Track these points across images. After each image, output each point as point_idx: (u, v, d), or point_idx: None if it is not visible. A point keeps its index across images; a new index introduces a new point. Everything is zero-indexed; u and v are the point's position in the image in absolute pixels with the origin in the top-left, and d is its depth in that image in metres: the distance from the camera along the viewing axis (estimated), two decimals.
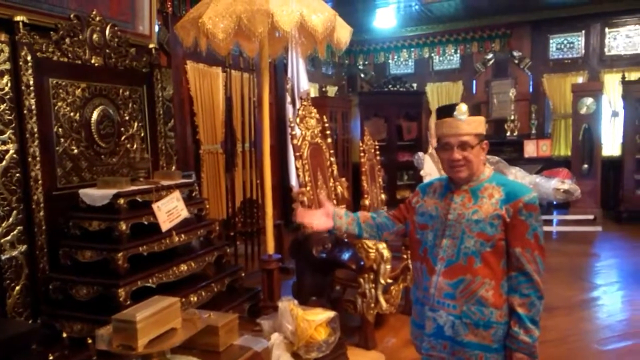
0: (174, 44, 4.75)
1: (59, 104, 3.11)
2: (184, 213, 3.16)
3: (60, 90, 3.12)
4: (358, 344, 3.34)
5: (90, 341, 2.45)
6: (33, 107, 2.90)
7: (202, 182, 5.16)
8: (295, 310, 2.46)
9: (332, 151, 3.95)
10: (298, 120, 3.64)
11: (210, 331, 1.99)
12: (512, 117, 8.32)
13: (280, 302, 2.51)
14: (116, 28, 3.50)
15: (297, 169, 3.58)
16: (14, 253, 2.82)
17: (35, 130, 2.91)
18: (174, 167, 3.98)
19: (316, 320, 2.48)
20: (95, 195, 2.94)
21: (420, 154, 7.28)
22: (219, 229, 3.72)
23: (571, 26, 8.11)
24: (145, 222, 2.99)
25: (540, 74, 8.34)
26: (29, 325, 2.70)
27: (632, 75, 7.44)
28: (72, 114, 3.18)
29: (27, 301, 2.89)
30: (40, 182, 2.94)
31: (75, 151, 3.22)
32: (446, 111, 1.78)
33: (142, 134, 3.73)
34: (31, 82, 2.89)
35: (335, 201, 3.89)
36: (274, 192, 3.70)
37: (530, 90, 8.49)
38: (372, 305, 3.32)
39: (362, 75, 9.70)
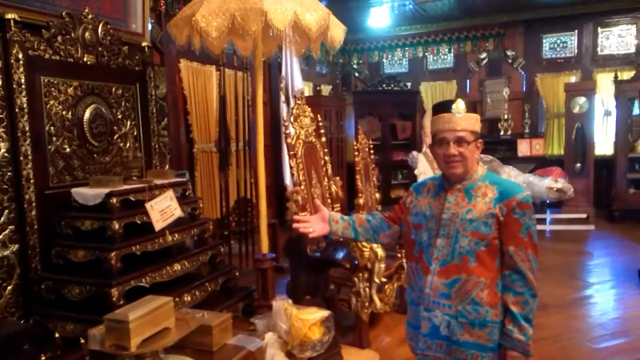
0: (167, 42, 4.73)
1: (51, 102, 3.08)
2: (177, 212, 3.15)
3: (52, 89, 3.09)
4: (352, 343, 3.34)
5: (82, 341, 2.43)
6: (24, 105, 2.87)
7: (196, 181, 5.14)
8: (290, 309, 2.46)
9: (326, 150, 3.95)
10: (292, 119, 3.63)
11: (203, 331, 1.98)
12: (506, 117, 8.36)
13: (274, 301, 2.51)
14: (109, 26, 3.48)
15: (291, 167, 3.57)
16: (6, 252, 2.80)
17: (27, 129, 2.89)
18: (167, 166, 3.96)
19: (310, 320, 2.49)
20: (88, 194, 2.92)
21: (415, 153, 7.28)
22: (212, 228, 3.71)
23: (564, 26, 8.15)
24: (139, 222, 2.97)
25: (533, 73, 8.38)
26: (21, 325, 2.69)
27: (625, 75, 7.48)
28: (64, 112, 3.16)
29: (19, 301, 2.87)
30: (32, 181, 2.91)
31: (68, 150, 3.19)
32: (443, 107, 1.77)
33: (135, 133, 3.71)
34: (22, 81, 2.86)
35: (329, 200, 3.89)
36: (268, 191, 3.69)
37: (524, 89, 8.54)
38: (367, 304, 3.32)
39: (357, 74, 9.70)
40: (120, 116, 3.58)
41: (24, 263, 2.89)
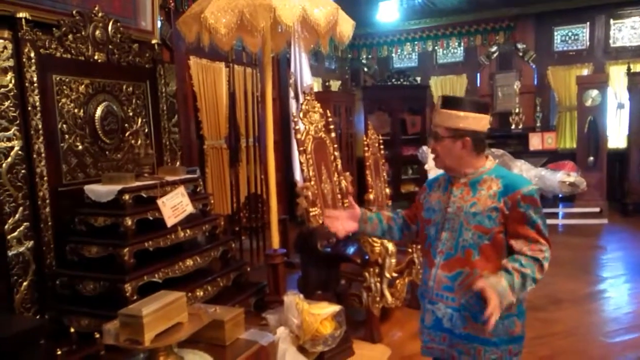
0: (176, 39, 4.74)
1: (63, 100, 3.11)
2: (188, 208, 3.17)
3: (64, 87, 3.12)
4: (364, 337, 3.34)
5: (97, 336, 2.47)
6: (37, 103, 2.91)
7: (207, 177, 5.16)
8: (301, 304, 2.47)
9: (336, 145, 3.94)
10: (301, 114, 3.63)
11: (216, 325, 1.99)
12: (517, 110, 8.28)
13: (285, 296, 2.52)
14: (118, 24, 3.50)
15: (301, 163, 3.58)
16: (21, 249, 2.84)
17: (40, 126, 2.92)
18: (178, 163, 3.98)
19: (322, 314, 2.50)
20: (101, 191, 2.95)
21: (425, 147, 7.26)
22: (223, 224, 3.73)
23: (576, 18, 8.04)
24: (151, 218, 3.00)
25: (544, 66, 8.28)
26: (37, 321, 2.72)
27: (638, 67, 7.39)
28: (76, 110, 3.19)
29: (35, 297, 2.91)
30: (45, 178, 2.95)
31: (80, 147, 3.22)
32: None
33: (146, 130, 3.73)
34: (35, 79, 2.89)
35: (339, 195, 3.89)
36: (278, 187, 3.70)
37: (535, 82, 8.44)
38: (378, 299, 3.32)
39: (366, 69, 9.66)
40: (131, 113, 3.61)
41: (39, 259, 2.92)
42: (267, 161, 3.47)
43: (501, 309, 1.54)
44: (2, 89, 2.75)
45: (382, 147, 4.52)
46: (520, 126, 8.26)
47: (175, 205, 3.08)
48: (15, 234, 2.81)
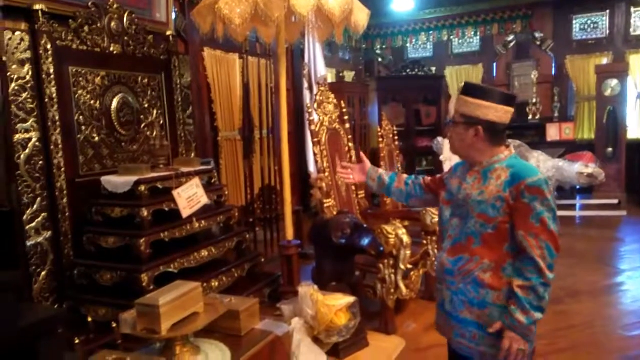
0: (191, 30, 4.74)
1: (79, 92, 3.14)
2: (203, 199, 3.19)
3: (80, 79, 3.14)
4: (378, 329, 3.34)
5: (115, 325, 2.50)
6: (54, 95, 2.93)
7: (221, 168, 5.17)
8: (316, 295, 2.47)
9: (350, 137, 3.92)
10: (316, 105, 3.62)
11: (231, 316, 2.00)
12: (534, 100, 8.14)
13: (300, 287, 2.51)
14: (134, 15, 3.51)
15: (315, 154, 3.57)
16: (39, 239, 2.88)
17: (57, 118, 2.95)
18: (193, 154, 4.00)
19: (336, 305, 2.49)
20: (117, 182, 2.98)
21: (440, 138, 7.19)
22: (238, 215, 3.75)
23: (595, 5, 7.86)
24: (166, 209, 3.02)
25: (563, 56, 8.12)
26: (55, 310, 2.76)
27: None
28: (92, 102, 3.21)
29: (53, 286, 2.96)
30: (63, 169, 2.99)
31: (97, 139, 3.25)
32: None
33: (162, 122, 3.75)
34: (52, 71, 2.92)
35: (354, 187, 3.87)
36: (292, 178, 3.70)
37: (553, 72, 8.28)
38: (392, 290, 3.31)
39: (380, 60, 9.57)
40: (146, 105, 3.63)
41: (57, 249, 2.97)
42: (281, 153, 3.46)
43: (518, 345, 1.63)
44: (20, 81, 2.78)
45: (396, 138, 4.49)
46: (538, 116, 8.13)
47: (190, 197, 3.10)
48: (34, 224, 2.86)
